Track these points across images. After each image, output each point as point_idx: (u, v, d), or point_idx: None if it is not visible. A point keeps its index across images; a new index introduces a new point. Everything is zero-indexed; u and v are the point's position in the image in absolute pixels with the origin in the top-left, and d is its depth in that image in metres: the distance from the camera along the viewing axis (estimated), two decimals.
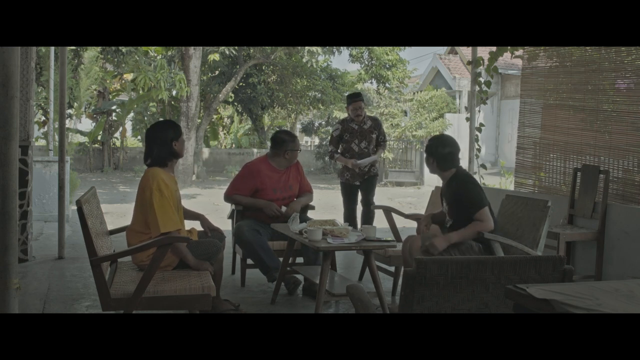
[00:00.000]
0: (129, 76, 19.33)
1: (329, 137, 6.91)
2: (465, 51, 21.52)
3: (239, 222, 4.94)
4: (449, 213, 4.18)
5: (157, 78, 15.55)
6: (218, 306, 4.13)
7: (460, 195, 4.04)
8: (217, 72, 19.42)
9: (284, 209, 4.97)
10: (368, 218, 6.43)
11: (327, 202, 11.29)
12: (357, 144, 6.44)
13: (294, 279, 4.85)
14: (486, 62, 6.19)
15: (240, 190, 5.05)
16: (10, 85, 2.42)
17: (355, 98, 6.47)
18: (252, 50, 18.10)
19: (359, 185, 6.50)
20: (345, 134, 6.49)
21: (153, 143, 3.91)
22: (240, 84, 19.15)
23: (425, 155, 4.29)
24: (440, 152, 4.14)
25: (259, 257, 4.71)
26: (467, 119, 6.46)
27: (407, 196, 13.99)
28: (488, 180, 4.00)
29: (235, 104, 20.52)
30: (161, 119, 4.83)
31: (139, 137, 22.43)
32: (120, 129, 20.98)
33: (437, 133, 18.36)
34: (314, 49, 17.15)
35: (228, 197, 5.13)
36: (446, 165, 4.15)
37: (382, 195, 13.85)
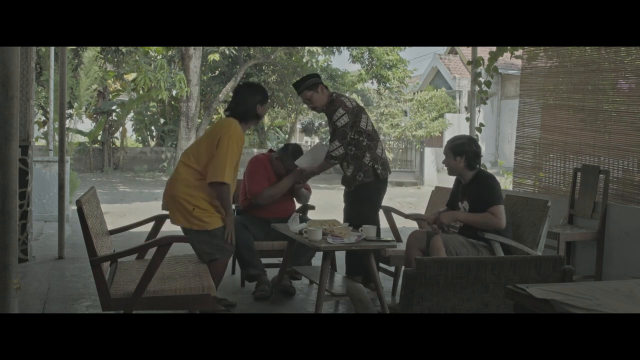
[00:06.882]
0: (129, 76, 19.33)
1: None
2: (465, 51, 21.51)
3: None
4: (470, 212, 4.15)
5: (157, 78, 15.55)
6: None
7: (483, 191, 4.05)
8: (217, 72, 19.42)
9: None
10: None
11: (327, 202, 11.27)
12: (330, 140, 4.75)
13: (288, 286, 4.78)
14: (486, 62, 6.19)
15: (261, 184, 4.78)
16: (10, 85, 2.42)
17: (296, 88, 4.65)
18: (252, 50, 18.10)
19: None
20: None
21: (238, 100, 4.14)
22: (240, 84, 19.17)
23: (450, 154, 4.15)
24: (474, 149, 4.15)
25: (239, 253, 4.61)
26: (467, 119, 6.45)
27: (407, 196, 13.99)
28: None
29: None
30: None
31: (139, 137, 22.42)
32: (120, 129, 20.96)
33: (438, 133, 18.37)
34: (314, 49, 17.14)
35: (260, 197, 4.74)
36: (474, 164, 4.15)
37: None
